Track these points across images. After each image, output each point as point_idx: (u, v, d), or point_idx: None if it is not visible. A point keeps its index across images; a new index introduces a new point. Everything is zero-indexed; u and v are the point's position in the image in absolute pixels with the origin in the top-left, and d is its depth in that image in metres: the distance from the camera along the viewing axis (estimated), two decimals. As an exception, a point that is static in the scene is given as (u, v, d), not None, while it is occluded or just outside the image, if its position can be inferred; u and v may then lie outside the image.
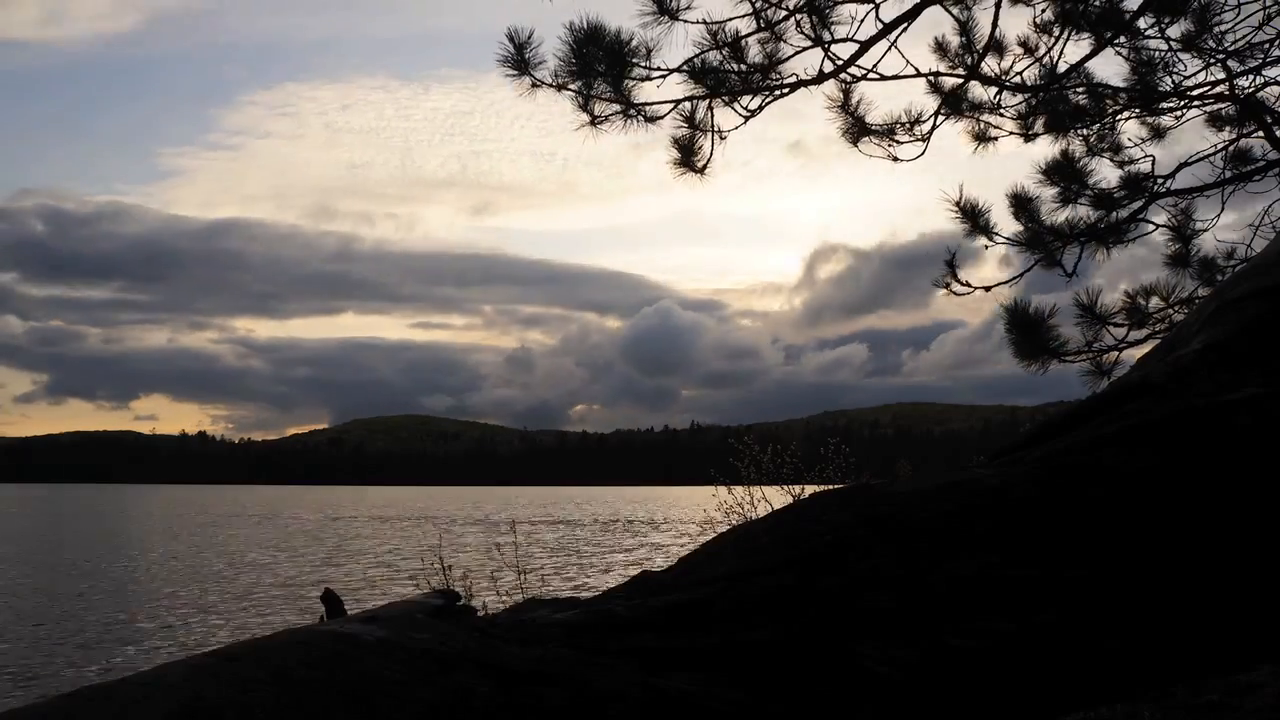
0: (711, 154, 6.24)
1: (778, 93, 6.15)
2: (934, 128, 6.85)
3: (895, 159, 6.85)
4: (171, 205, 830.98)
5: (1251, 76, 7.20)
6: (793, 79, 6.08)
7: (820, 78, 6.08)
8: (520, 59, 5.77)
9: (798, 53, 6.04)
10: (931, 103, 6.96)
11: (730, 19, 5.91)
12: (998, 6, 6.35)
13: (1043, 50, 6.98)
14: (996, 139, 7.45)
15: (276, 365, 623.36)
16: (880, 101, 6.88)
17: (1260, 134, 7.51)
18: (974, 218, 7.48)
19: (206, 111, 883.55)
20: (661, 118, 6.12)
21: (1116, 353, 7.62)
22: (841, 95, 6.72)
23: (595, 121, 6.02)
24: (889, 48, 5.98)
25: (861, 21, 5.84)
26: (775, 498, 10.69)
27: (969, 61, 6.73)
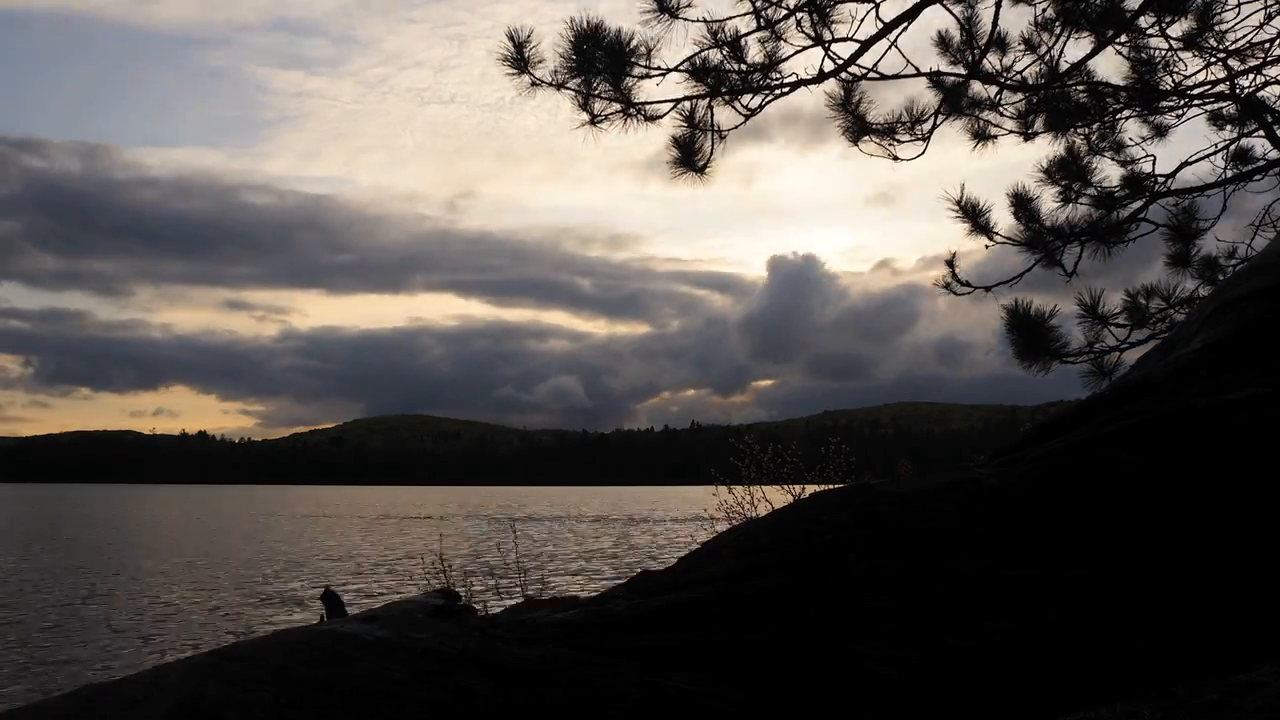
0: (712, 153, 6.24)
1: (778, 92, 6.14)
2: (934, 127, 6.84)
3: (895, 158, 6.84)
4: (263, 160, 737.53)
5: (1252, 75, 7.20)
6: (793, 78, 6.08)
7: (821, 77, 6.08)
8: (520, 57, 5.77)
9: (798, 52, 6.04)
10: (932, 102, 6.95)
11: (730, 18, 5.91)
12: (998, 5, 6.34)
13: (1044, 49, 6.97)
14: (996, 138, 7.44)
15: (318, 354, 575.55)
16: (881, 100, 6.88)
17: (1261, 133, 7.51)
18: (974, 217, 7.47)
19: (352, 33, 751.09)
20: (661, 117, 6.12)
21: (1118, 354, 7.61)
22: (842, 94, 6.72)
23: (595, 120, 6.01)
24: (889, 47, 5.99)
25: (862, 21, 5.85)
26: (775, 498, 10.68)
27: (969, 59, 6.72)
